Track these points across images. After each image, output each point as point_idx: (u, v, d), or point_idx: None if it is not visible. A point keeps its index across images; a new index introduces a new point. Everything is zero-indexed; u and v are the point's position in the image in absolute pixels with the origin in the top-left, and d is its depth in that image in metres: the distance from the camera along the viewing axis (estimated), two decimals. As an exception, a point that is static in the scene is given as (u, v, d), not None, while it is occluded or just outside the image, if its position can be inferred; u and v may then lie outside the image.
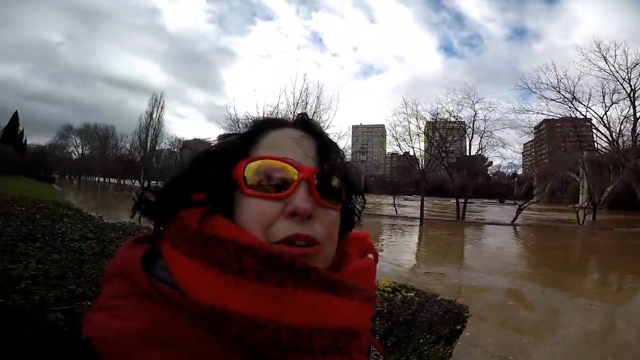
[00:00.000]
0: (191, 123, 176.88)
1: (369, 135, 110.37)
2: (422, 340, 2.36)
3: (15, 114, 52.54)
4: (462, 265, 9.58)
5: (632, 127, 28.62)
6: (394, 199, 27.40)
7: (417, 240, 14.49)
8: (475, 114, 24.24)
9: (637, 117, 28.38)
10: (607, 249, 13.68)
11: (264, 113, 16.22)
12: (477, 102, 24.15)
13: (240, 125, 16.58)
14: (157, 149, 56.33)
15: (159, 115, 54.90)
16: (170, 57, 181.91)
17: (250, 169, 0.41)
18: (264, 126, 0.48)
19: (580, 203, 31.08)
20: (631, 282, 8.70)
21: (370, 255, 0.52)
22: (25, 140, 59.52)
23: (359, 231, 0.54)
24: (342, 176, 0.45)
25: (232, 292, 0.35)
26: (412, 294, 2.88)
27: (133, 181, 49.38)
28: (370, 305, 0.43)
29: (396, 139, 23.43)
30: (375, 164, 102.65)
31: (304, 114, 0.51)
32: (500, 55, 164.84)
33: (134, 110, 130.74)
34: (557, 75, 31.51)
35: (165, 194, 0.44)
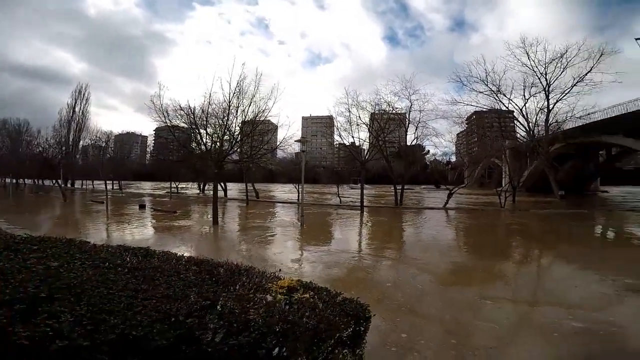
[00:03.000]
0: (120, 115, 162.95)
1: (318, 126, 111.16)
2: (315, 347, 2.22)
3: None
4: (386, 253, 9.98)
5: (545, 117, 32.46)
6: (338, 188, 27.99)
7: (354, 229, 14.85)
8: (412, 104, 25.45)
9: (550, 108, 32.25)
10: (522, 231, 15.35)
11: (193, 103, 15.20)
12: (413, 94, 25.32)
13: (170, 116, 15.31)
14: (81, 144, 50.71)
15: (84, 108, 49.66)
16: (92, 43, 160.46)
17: None
18: None
19: (502, 187, 34.68)
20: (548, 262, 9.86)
21: None
22: None
23: None
24: None
25: None
26: (307, 295, 2.73)
27: (53, 181, 43.88)
28: None
29: (337, 129, 23.84)
30: (324, 154, 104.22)
31: None
32: (441, 46, 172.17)
33: (51, 103, 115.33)
34: (485, 69, 34.58)
35: None
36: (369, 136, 25.10)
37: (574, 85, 30.77)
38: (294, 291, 2.96)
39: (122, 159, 51.77)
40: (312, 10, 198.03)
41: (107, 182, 27.85)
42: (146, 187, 50.68)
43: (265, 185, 52.27)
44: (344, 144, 25.87)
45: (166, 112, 14.82)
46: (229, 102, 14.49)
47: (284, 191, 41.40)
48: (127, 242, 4.89)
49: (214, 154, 15.34)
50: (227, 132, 15.20)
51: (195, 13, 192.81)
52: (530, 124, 33.61)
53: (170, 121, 15.21)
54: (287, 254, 8.88)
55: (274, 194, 39.10)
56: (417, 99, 25.29)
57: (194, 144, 19.06)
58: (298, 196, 27.48)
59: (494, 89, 34.08)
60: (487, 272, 7.38)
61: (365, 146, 25.69)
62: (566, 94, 31.30)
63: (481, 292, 5.79)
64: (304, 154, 16.47)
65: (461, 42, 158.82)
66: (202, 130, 15.32)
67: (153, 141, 53.88)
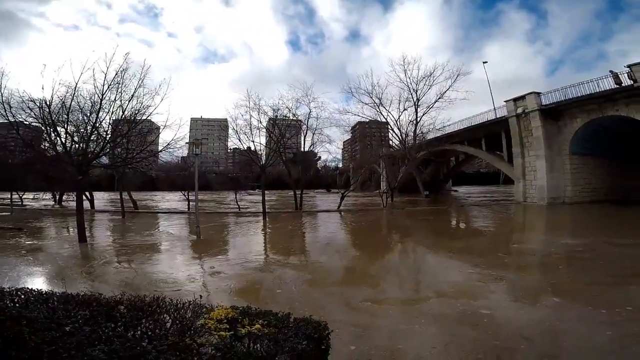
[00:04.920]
0: None
1: (209, 129, 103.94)
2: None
3: None
4: (299, 261, 9.94)
5: (414, 129, 38.53)
6: (236, 194, 26.63)
7: (261, 237, 14.32)
8: (310, 112, 26.46)
9: (418, 121, 38.42)
10: (401, 227, 17.66)
11: (50, 94, 11.75)
12: (312, 101, 26.33)
13: (14, 109, 11.65)
14: None
15: None
16: None
17: None
18: None
19: (381, 189, 39.49)
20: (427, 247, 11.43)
21: None
22: None
23: None
24: None
25: None
26: (259, 325, 2.24)
27: None
28: None
29: (236, 132, 22.65)
30: (216, 159, 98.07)
31: None
32: (336, 56, 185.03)
33: None
34: (372, 83, 38.80)
35: None
36: (269, 141, 24.78)
37: (436, 101, 37.65)
38: (235, 322, 2.43)
39: None
40: (215, 6, 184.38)
41: None
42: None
43: (144, 194, 45.50)
44: (240, 148, 24.75)
45: (8, 104, 11.33)
46: (102, 95, 11.86)
47: (168, 200, 36.83)
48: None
49: (76, 156, 12.31)
50: (96, 131, 12.42)
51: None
52: (402, 134, 39.47)
53: (14, 115, 11.60)
54: (187, 272, 7.67)
55: (156, 203, 34.34)
56: (315, 107, 26.47)
57: (45, 144, 15.03)
58: (188, 205, 24.80)
59: (377, 101, 38.74)
60: (385, 271, 8.10)
61: (264, 151, 25.24)
62: (430, 108, 37.99)
63: (389, 292, 6.31)
64: (197, 157, 14.94)
65: (353, 53, 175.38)
66: (59, 128, 12.11)
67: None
